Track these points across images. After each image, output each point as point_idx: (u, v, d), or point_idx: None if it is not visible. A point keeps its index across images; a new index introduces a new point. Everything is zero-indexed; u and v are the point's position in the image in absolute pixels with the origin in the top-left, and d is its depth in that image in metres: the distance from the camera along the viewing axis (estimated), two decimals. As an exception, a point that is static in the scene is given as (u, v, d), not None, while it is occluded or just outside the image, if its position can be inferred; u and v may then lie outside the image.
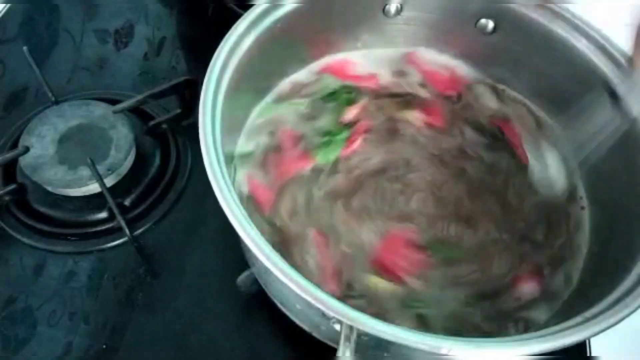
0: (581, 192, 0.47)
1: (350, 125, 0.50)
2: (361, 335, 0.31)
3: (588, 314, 0.33)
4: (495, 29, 0.49)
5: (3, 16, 0.69)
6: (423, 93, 0.52)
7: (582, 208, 0.46)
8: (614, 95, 0.41)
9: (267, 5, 0.43)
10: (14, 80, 0.63)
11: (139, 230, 0.52)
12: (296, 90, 0.50)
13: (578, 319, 0.33)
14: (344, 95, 0.51)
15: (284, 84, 0.51)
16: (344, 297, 0.41)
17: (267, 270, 0.32)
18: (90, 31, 0.68)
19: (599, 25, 0.44)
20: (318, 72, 0.52)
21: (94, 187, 0.52)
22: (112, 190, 0.52)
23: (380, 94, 0.52)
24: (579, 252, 0.44)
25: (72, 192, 0.52)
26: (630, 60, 0.41)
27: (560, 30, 0.45)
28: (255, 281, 0.47)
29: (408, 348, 0.30)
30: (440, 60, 0.53)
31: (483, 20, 0.49)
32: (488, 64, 0.52)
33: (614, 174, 0.44)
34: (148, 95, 0.56)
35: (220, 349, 0.47)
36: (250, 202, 0.44)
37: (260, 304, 0.47)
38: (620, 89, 0.41)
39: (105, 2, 0.71)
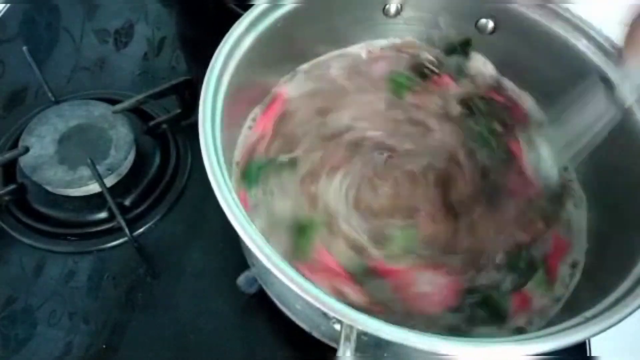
0: (578, 191, 0.47)
1: None
2: (361, 335, 0.31)
3: (588, 314, 0.33)
4: (495, 29, 0.49)
5: (3, 16, 0.69)
6: None
7: (575, 206, 0.46)
8: (609, 85, 0.40)
9: (267, 5, 0.43)
10: (14, 80, 0.63)
11: (139, 230, 0.52)
12: None
13: (578, 319, 0.33)
14: None
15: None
16: None
17: (267, 270, 0.32)
18: (90, 31, 0.68)
19: (598, 24, 0.44)
20: None
21: (94, 187, 0.52)
22: (112, 190, 0.52)
23: None
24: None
25: (72, 192, 0.52)
26: (620, 52, 0.41)
27: (560, 30, 0.45)
28: (255, 281, 0.47)
29: (408, 348, 0.30)
30: None
31: (483, 20, 0.49)
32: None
33: (611, 173, 0.44)
34: (148, 95, 0.56)
35: (220, 349, 0.47)
36: None
37: (260, 304, 0.47)
38: (616, 79, 0.40)
39: (105, 2, 0.71)
